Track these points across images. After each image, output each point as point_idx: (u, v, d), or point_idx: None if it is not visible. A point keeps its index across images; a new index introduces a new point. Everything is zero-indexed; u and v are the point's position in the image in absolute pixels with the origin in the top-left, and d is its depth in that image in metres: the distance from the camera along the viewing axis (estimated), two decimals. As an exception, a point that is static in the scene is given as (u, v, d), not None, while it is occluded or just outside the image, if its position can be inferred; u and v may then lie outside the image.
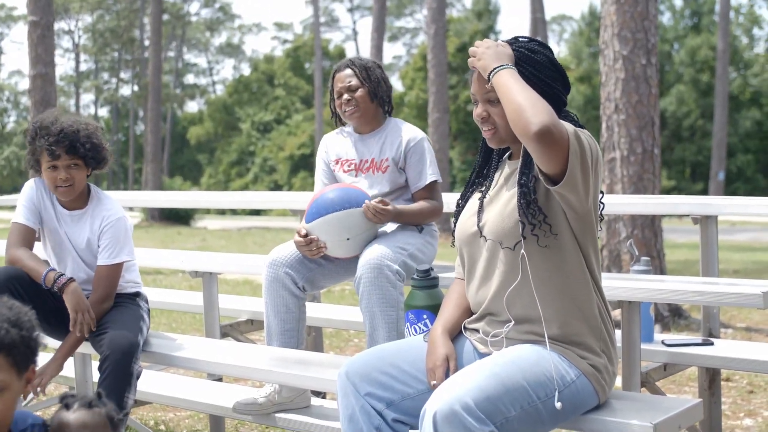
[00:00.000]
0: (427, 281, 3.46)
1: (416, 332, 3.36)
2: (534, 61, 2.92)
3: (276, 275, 4.10)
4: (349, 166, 4.40)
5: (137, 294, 4.30)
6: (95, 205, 4.17)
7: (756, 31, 49.42)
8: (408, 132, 4.31)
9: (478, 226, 3.02)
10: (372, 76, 4.33)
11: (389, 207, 4.05)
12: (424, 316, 3.35)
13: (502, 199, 2.98)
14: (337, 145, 4.49)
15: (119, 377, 3.83)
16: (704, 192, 38.27)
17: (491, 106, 2.96)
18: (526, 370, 2.76)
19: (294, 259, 4.13)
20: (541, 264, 2.88)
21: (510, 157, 3.11)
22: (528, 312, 2.90)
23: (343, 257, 4.15)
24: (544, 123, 2.64)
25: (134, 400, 3.91)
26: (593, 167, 2.79)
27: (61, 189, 4.05)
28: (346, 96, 4.30)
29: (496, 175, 3.11)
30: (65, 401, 2.50)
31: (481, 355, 2.99)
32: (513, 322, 2.93)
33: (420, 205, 4.22)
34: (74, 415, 2.44)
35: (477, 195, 3.14)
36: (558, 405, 2.75)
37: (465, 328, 3.11)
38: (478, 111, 3.00)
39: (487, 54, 2.89)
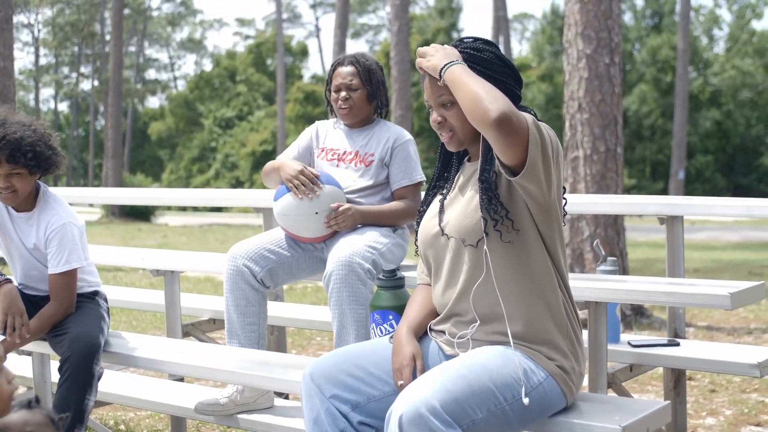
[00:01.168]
0: (393, 281, 3.42)
1: (381, 333, 3.32)
2: (481, 59, 2.92)
3: (236, 268, 4.07)
4: (332, 155, 4.38)
5: (96, 293, 4.22)
6: (41, 209, 4.05)
7: (716, 31, 49.83)
8: (397, 131, 4.33)
9: (440, 225, 3.00)
10: (374, 80, 4.33)
11: (349, 209, 4.06)
12: (390, 317, 3.31)
13: (464, 198, 2.97)
14: (326, 134, 4.48)
15: (80, 379, 3.76)
16: (664, 191, 38.57)
17: (446, 109, 2.95)
18: (493, 372, 2.73)
19: (254, 252, 4.11)
20: (505, 260, 2.86)
21: (469, 160, 3.09)
22: (493, 311, 2.88)
23: (309, 238, 4.14)
24: (502, 110, 2.64)
25: (95, 401, 3.85)
26: (554, 158, 2.78)
27: (3, 195, 3.95)
28: (344, 93, 4.30)
29: (456, 177, 3.10)
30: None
31: (447, 357, 2.96)
32: (478, 322, 2.90)
33: (394, 205, 4.22)
34: (15, 416, 2.40)
35: (438, 198, 3.13)
36: (526, 401, 2.72)
37: (430, 329, 3.07)
38: (433, 117, 2.99)
39: (436, 55, 2.90)
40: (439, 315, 3.06)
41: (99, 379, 3.87)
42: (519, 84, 3.00)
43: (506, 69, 2.96)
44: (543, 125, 2.80)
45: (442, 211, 3.03)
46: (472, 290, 2.89)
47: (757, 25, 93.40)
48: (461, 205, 2.96)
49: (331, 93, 4.39)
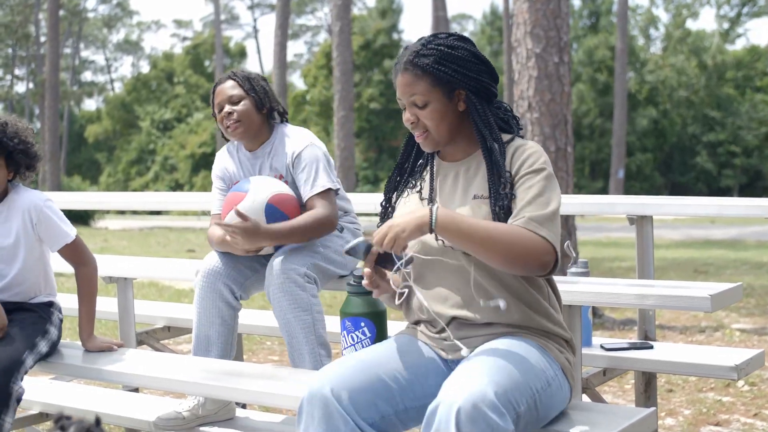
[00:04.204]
0: (364, 287, 3.30)
1: (354, 341, 3.21)
2: (456, 58, 2.82)
3: (213, 286, 3.85)
4: None
5: (51, 304, 4.05)
6: (12, 198, 3.90)
7: (652, 31, 50.47)
8: (292, 142, 3.96)
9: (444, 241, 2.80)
10: (256, 86, 3.99)
11: (248, 223, 3.67)
12: (362, 324, 3.20)
13: (465, 208, 2.82)
14: (231, 165, 4.13)
15: None
16: (604, 189, 38.97)
17: (419, 110, 2.84)
18: (523, 361, 2.64)
19: (231, 268, 3.89)
20: None
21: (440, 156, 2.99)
22: (495, 308, 2.77)
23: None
24: (547, 263, 2.65)
25: (11, 423, 3.63)
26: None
27: None
28: (227, 108, 3.94)
29: (432, 176, 2.97)
30: (60, 423, 2.28)
31: (448, 362, 2.85)
32: (483, 320, 2.80)
33: (303, 218, 3.80)
34: None
35: (414, 197, 2.98)
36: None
37: (425, 335, 2.93)
38: (406, 116, 2.88)
39: (407, 225, 2.64)
40: (418, 322, 2.94)
41: (19, 400, 3.65)
42: (495, 80, 2.90)
43: (482, 66, 2.87)
44: (548, 165, 2.80)
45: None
46: (470, 290, 2.79)
47: (692, 24, 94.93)
48: (462, 209, 2.82)
49: (216, 117, 4.03)
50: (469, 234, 2.63)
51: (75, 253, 3.99)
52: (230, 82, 3.99)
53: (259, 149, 4.03)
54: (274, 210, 3.76)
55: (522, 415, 2.55)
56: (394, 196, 3.05)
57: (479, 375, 2.52)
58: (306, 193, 3.88)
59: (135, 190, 51.37)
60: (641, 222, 4.63)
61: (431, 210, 2.63)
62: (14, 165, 3.87)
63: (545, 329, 2.82)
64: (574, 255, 4.28)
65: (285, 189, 3.87)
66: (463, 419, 2.41)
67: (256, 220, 3.68)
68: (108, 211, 35.03)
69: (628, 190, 38.65)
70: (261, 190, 3.80)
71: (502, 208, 2.74)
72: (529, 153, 2.82)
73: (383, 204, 3.07)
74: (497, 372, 2.54)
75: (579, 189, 41.65)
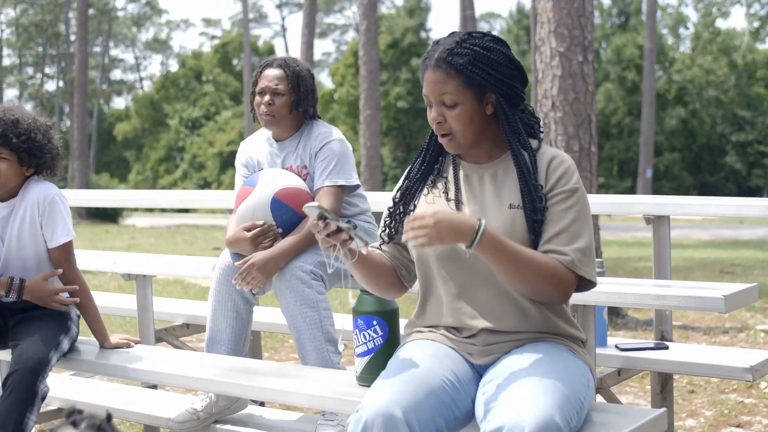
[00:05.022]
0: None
1: (366, 338, 3.20)
2: (491, 60, 2.75)
3: (229, 280, 3.88)
4: None
5: (67, 300, 4.07)
6: (26, 190, 3.90)
7: (681, 30, 50.16)
8: (320, 136, 4.03)
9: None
10: (302, 87, 4.03)
11: (254, 259, 3.75)
12: (374, 322, 3.18)
13: (502, 215, 2.77)
14: (255, 153, 4.19)
15: (21, 397, 3.56)
16: (632, 189, 38.73)
17: (447, 109, 2.78)
18: (567, 373, 2.63)
19: None
20: None
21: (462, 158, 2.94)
22: (517, 313, 2.78)
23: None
24: (571, 294, 2.68)
25: (35, 421, 3.66)
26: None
27: None
28: (268, 98, 4.01)
29: (455, 176, 2.91)
30: (72, 418, 2.29)
31: (473, 366, 2.81)
32: (512, 329, 2.79)
33: (305, 226, 3.81)
34: None
35: (440, 200, 2.90)
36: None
37: (448, 339, 2.89)
38: (432, 115, 2.81)
39: (442, 231, 2.55)
40: (437, 325, 2.92)
41: (43, 398, 3.68)
42: (525, 84, 2.85)
43: (515, 71, 2.81)
44: (580, 183, 2.78)
45: None
46: (499, 302, 2.78)
47: (722, 24, 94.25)
48: (499, 219, 2.75)
49: (255, 96, 4.10)
50: (509, 260, 2.60)
51: (68, 254, 3.94)
52: (279, 73, 4.04)
53: (287, 140, 4.10)
54: (280, 204, 3.79)
55: (574, 428, 2.54)
56: (411, 195, 2.98)
57: (540, 396, 2.48)
58: (317, 184, 3.95)
59: (163, 187, 51.58)
60: (658, 222, 4.60)
61: (479, 225, 2.55)
62: (30, 161, 3.87)
63: (566, 333, 2.80)
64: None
65: (294, 182, 3.90)
66: None
67: (260, 254, 3.75)
68: (136, 209, 35.21)
69: (657, 190, 38.40)
70: (268, 185, 3.84)
71: (536, 222, 2.71)
72: (564, 168, 2.77)
73: (395, 200, 3.00)
74: (554, 391, 2.51)
75: (607, 189, 41.45)
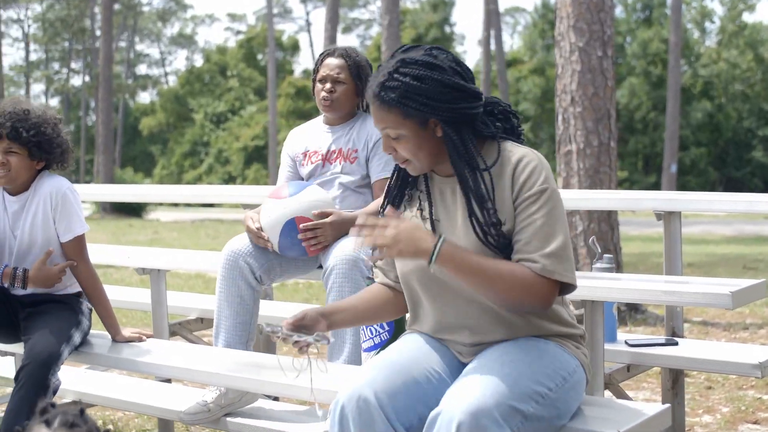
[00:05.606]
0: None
1: (372, 334, 3.23)
2: (423, 91, 2.63)
3: (234, 264, 3.96)
4: (317, 157, 4.26)
5: (80, 294, 4.09)
6: (38, 184, 3.93)
7: (707, 24, 49.84)
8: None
9: None
10: (363, 75, 4.20)
11: (323, 224, 3.88)
12: (381, 317, 3.20)
13: (466, 232, 2.73)
14: (304, 138, 4.36)
15: (33, 390, 3.59)
16: (657, 184, 38.56)
17: (394, 141, 2.72)
18: (533, 363, 2.62)
19: (254, 247, 4.00)
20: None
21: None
22: (509, 324, 2.76)
23: (296, 257, 4.01)
24: (551, 300, 2.63)
25: None
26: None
27: None
28: (329, 85, 4.18)
29: (428, 190, 2.85)
30: (45, 417, 2.28)
31: (463, 365, 2.80)
32: (501, 338, 2.77)
33: (376, 203, 3.97)
34: None
35: (414, 218, 2.86)
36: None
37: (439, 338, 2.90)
38: (383, 147, 2.78)
39: (400, 247, 2.57)
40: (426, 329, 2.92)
41: (55, 392, 3.72)
42: (476, 98, 2.71)
43: (454, 93, 2.67)
44: (549, 181, 2.68)
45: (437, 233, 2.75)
46: (485, 318, 2.76)
47: (748, 17, 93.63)
48: (470, 235, 2.71)
49: (316, 83, 4.26)
50: (473, 273, 2.58)
51: (81, 247, 3.98)
52: (340, 62, 4.21)
53: (340, 125, 4.28)
54: (293, 227, 3.87)
55: (531, 417, 2.54)
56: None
57: (481, 385, 2.51)
58: (374, 176, 4.14)
59: (188, 182, 51.74)
60: (669, 218, 4.57)
61: (436, 245, 2.54)
62: (41, 155, 3.89)
63: (558, 333, 2.78)
64: (599, 251, 4.27)
65: (319, 206, 3.95)
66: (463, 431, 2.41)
67: (338, 215, 3.90)
68: (161, 204, 35.35)
69: (682, 185, 38.20)
70: (296, 203, 3.92)
71: (491, 241, 2.66)
72: (530, 170, 2.68)
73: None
74: (501, 380, 2.52)
75: (631, 184, 41.27)
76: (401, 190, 2.91)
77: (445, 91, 2.66)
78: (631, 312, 8.10)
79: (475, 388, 2.50)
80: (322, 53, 4.30)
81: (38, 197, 3.90)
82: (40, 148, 3.86)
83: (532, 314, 2.74)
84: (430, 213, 2.82)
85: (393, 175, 2.92)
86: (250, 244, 4.01)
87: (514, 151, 2.74)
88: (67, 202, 3.91)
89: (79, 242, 3.96)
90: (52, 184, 3.91)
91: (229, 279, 3.96)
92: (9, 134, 3.79)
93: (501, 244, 2.66)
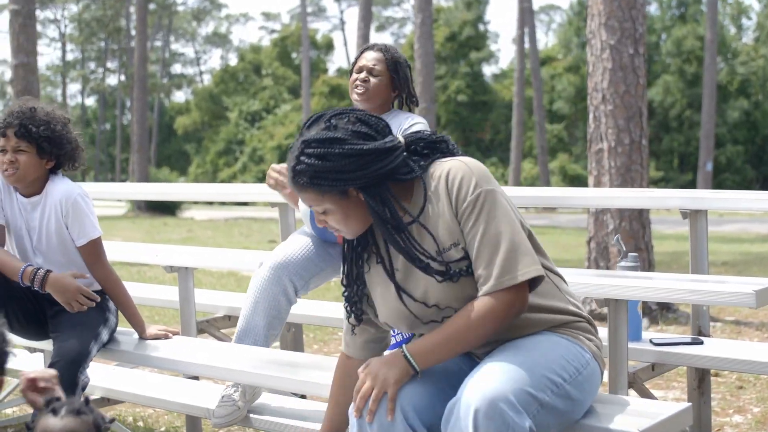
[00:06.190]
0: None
1: (394, 332, 3.23)
2: (330, 169, 2.63)
3: (277, 279, 3.93)
4: None
5: (104, 291, 4.10)
6: (51, 188, 3.94)
7: (744, 20, 49.42)
8: (408, 118, 4.18)
9: (426, 305, 2.72)
10: (399, 71, 4.22)
11: None
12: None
13: (423, 278, 2.72)
14: None
15: (63, 387, 3.64)
16: (693, 182, 38.28)
17: (323, 215, 2.73)
18: (548, 354, 2.64)
19: (302, 260, 3.99)
20: None
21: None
22: (505, 337, 2.75)
23: (332, 240, 4.03)
24: (510, 310, 2.61)
25: None
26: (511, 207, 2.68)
27: (6, 171, 3.83)
28: (363, 75, 4.20)
29: (385, 245, 2.79)
30: (52, 406, 2.35)
31: (475, 359, 2.83)
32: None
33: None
34: (61, 423, 2.28)
35: (377, 269, 2.83)
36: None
37: None
38: (315, 220, 2.78)
39: (382, 379, 2.63)
40: None
41: (84, 388, 3.76)
42: (389, 152, 2.67)
43: (363, 158, 2.64)
44: (482, 183, 2.64)
45: (402, 290, 2.76)
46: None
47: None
48: (422, 276, 2.71)
49: (352, 74, 4.29)
50: (448, 348, 2.63)
51: (97, 251, 3.99)
52: (379, 55, 4.24)
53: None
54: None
55: (547, 405, 2.56)
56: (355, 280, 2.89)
57: (497, 373, 2.53)
58: None
59: (223, 180, 51.95)
60: (695, 216, 4.53)
61: (405, 356, 2.63)
62: (50, 151, 3.89)
63: (565, 322, 2.78)
64: (624, 249, 4.25)
65: None
66: (481, 417, 2.43)
67: None
68: (196, 202, 35.51)
69: (719, 184, 37.92)
70: None
71: (452, 274, 2.66)
72: (459, 180, 2.66)
73: (344, 285, 2.92)
74: (517, 369, 2.54)
75: (666, 182, 41.02)
76: (356, 251, 2.87)
77: (352, 161, 2.63)
78: (663, 311, 8.05)
79: (492, 376, 2.52)
80: (361, 48, 4.36)
81: (50, 203, 3.92)
82: (50, 143, 3.86)
83: (527, 316, 2.73)
84: (390, 266, 2.78)
85: (344, 242, 2.89)
86: (298, 257, 3.99)
87: (442, 167, 2.71)
88: (78, 209, 3.91)
89: (95, 246, 3.97)
90: (63, 190, 3.92)
91: (269, 292, 3.93)
92: (17, 132, 3.80)
93: (464, 267, 2.67)
